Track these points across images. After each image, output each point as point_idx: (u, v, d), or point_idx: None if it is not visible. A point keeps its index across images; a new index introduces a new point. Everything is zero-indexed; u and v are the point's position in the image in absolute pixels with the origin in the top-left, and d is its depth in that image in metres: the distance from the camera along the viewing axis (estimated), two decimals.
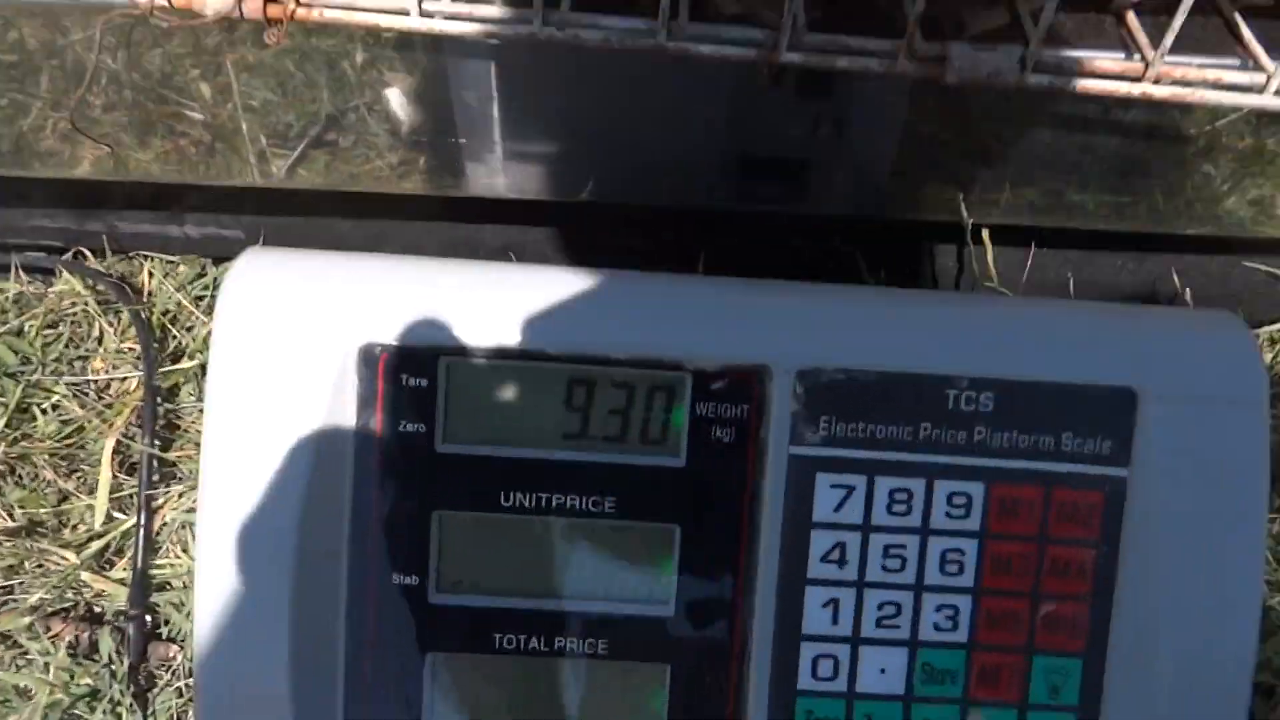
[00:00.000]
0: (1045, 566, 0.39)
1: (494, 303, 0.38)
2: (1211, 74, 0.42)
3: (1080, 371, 0.38)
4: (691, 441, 0.38)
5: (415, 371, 0.37)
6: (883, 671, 0.40)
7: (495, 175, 0.61)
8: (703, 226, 0.66)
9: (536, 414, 0.38)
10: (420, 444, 0.38)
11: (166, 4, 0.48)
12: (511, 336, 0.37)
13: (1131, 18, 0.46)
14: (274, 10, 0.47)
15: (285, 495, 0.38)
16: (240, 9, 0.47)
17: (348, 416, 0.38)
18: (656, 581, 0.39)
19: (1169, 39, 0.41)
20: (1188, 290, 0.69)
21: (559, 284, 0.38)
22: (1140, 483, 0.38)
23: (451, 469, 0.38)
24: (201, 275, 0.72)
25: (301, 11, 0.47)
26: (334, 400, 0.37)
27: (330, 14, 0.48)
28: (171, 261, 0.72)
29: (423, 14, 0.46)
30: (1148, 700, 0.40)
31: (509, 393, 0.38)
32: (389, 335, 0.37)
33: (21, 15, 0.54)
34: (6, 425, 0.61)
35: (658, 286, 0.39)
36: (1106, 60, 0.43)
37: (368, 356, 0.37)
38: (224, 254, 0.73)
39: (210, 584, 0.38)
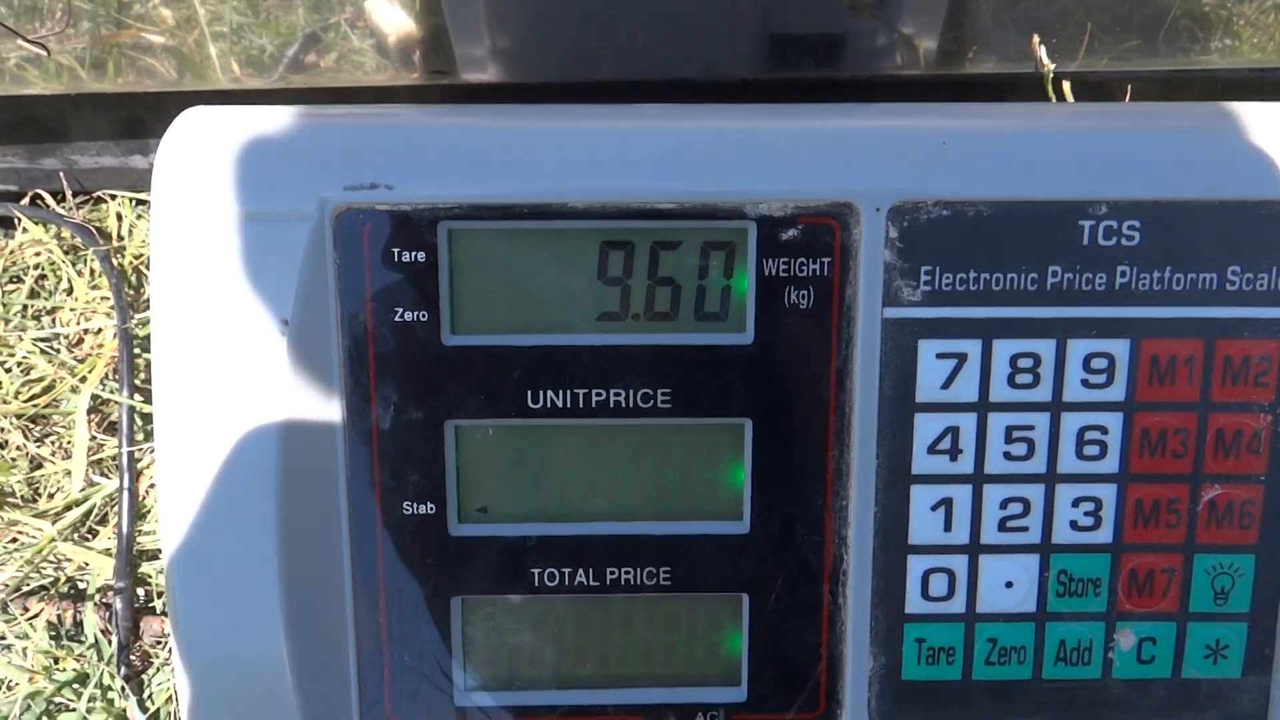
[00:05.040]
0: (1208, 441, 0.31)
1: (501, 149, 0.30)
2: None
3: (1249, 184, 0.30)
4: (760, 312, 0.31)
5: (410, 242, 0.30)
6: (1009, 585, 0.32)
7: (495, 61, 0.54)
8: (730, 100, 0.58)
9: (565, 289, 0.31)
10: (424, 337, 0.31)
11: None
12: (526, 189, 0.30)
13: None
14: None
15: (259, 414, 0.30)
16: None
17: (328, 306, 0.30)
18: (726, 492, 0.32)
19: None
20: None
21: (581, 122, 0.31)
22: None
23: (464, 366, 0.31)
24: None
25: None
26: (309, 285, 0.30)
27: None
28: (141, 201, 0.64)
29: None
30: None
31: (529, 264, 0.31)
32: (373, 198, 0.30)
33: None
34: None
35: (705, 118, 0.31)
36: None
37: (348, 226, 0.30)
38: None
39: (177, 532, 0.31)
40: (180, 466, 0.31)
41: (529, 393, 0.31)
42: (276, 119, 0.30)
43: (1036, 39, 0.52)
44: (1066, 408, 0.31)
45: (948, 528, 0.32)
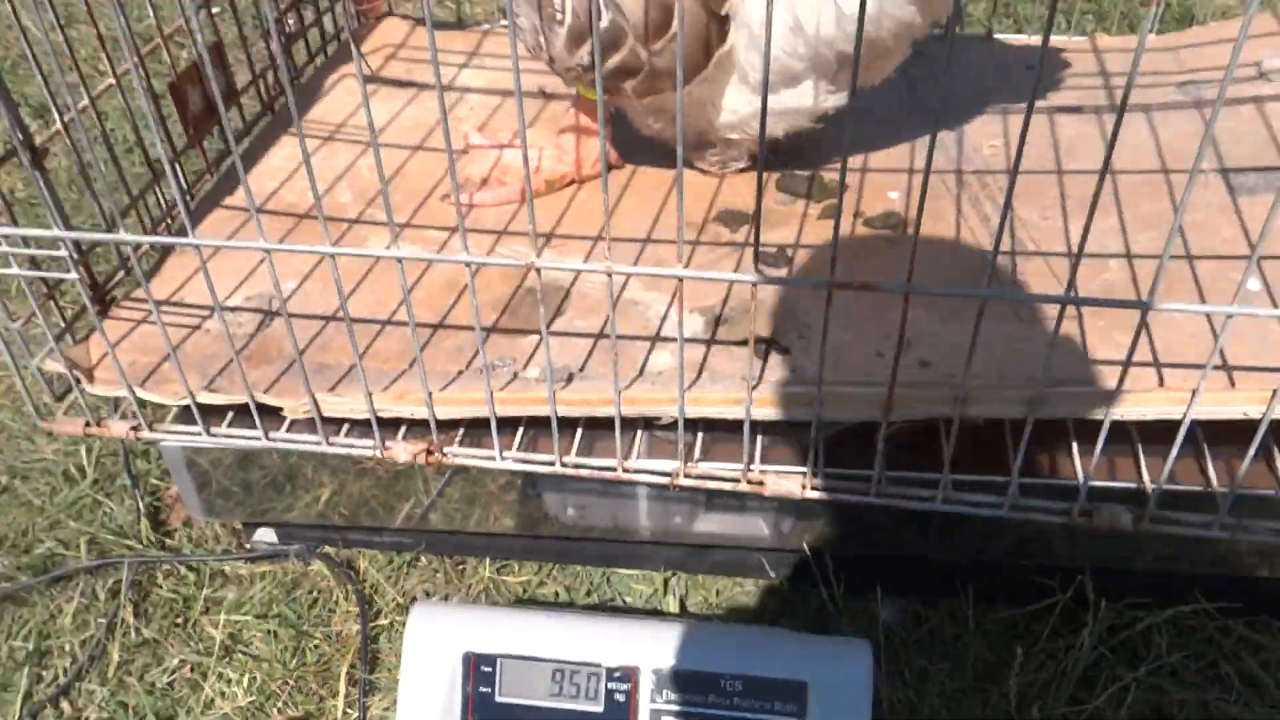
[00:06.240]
0: None
1: (523, 634, 0.86)
2: None
3: (782, 671, 0.83)
4: (606, 702, 0.85)
5: (488, 666, 0.86)
6: None
7: (557, 517, 1.10)
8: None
9: (541, 684, 0.86)
10: (490, 699, 0.86)
11: (379, 456, 1.01)
12: (530, 649, 0.86)
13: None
14: (432, 459, 1.00)
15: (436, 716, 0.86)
16: (415, 459, 1.00)
17: (459, 687, 0.86)
18: None
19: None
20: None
21: (553, 624, 0.87)
22: None
23: (503, 711, 0.86)
24: (391, 561, 1.25)
25: (444, 459, 1.00)
26: (452, 679, 0.86)
27: (457, 459, 1.00)
28: (374, 553, 1.25)
29: (500, 459, 0.98)
30: None
31: (529, 676, 0.86)
32: (478, 648, 0.86)
33: (308, 458, 1.07)
34: (295, 660, 1.13)
35: (588, 625, 0.87)
36: None
37: (467, 659, 0.86)
38: (405, 548, 1.25)
39: None
40: None
41: None
42: (449, 613, 0.88)
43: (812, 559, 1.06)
44: None
45: None
